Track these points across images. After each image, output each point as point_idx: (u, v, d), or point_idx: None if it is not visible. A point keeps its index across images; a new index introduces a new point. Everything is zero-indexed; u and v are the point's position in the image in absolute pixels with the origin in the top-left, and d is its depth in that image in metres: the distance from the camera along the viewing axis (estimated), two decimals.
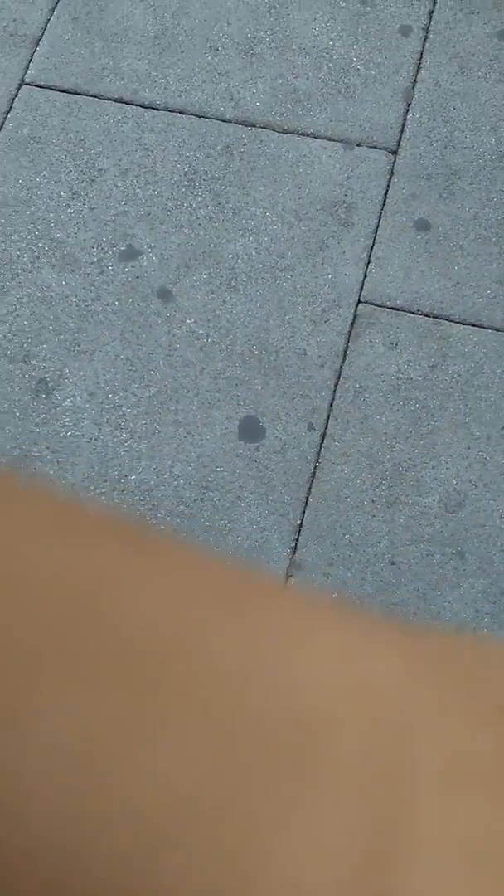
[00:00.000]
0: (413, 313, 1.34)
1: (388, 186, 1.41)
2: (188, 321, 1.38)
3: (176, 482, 1.30)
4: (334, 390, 1.31)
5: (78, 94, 1.56)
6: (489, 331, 1.31)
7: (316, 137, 1.46)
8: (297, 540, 1.25)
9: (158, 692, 0.13)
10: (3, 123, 1.54)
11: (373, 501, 1.26)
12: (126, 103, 1.54)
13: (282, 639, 0.14)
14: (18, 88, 1.57)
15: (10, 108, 1.55)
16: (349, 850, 0.12)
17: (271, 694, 0.13)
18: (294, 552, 1.25)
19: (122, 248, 1.44)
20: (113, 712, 0.12)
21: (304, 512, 1.26)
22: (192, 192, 1.46)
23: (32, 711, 0.12)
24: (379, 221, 1.39)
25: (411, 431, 1.29)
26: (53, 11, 1.60)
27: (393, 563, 1.23)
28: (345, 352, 1.33)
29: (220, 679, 0.13)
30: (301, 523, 1.26)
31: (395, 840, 0.12)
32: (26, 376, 1.38)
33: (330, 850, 0.12)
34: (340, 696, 0.13)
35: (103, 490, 1.31)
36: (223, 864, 0.12)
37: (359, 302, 1.35)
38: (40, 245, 1.46)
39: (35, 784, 0.12)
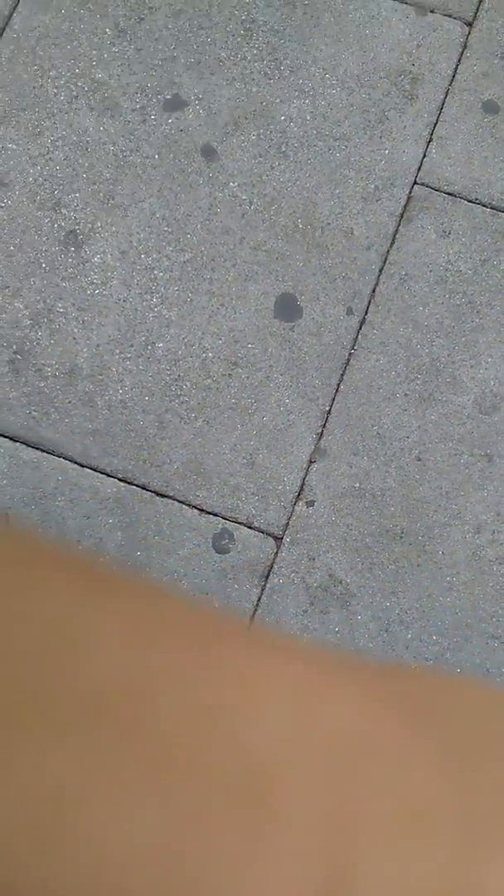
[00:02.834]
0: (470, 201, 1.27)
1: (459, 61, 1.31)
2: (232, 184, 1.31)
3: (204, 354, 1.26)
4: (378, 275, 1.25)
5: None
6: None
7: None
8: (323, 426, 1.22)
9: (116, 739, 0.13)
10: None
11: (405, 395, 1.22)
12: None
13: (239, 685, 0.14)
14: None
15: None
16: None
17: (227, 741, 0.13)
18: (320, 438, 1.22)
19: (168, 97, 1.34)
20: (71, 758, 0.12)
21: (333, 399, 1.22)
22: (247, 43, 1.35)
23: None
24: (445, 98, 1.30)
25: (454, 326, 1.24)
26: None
27: (419, 460, 1.20)
28: (394, 235, 1.26)
29: (176, 727, 0.13)
30: (329, 410, 1.22)
31: (344, 889, 0.12)
32: (55, 226, 1.31)
33: None
34: (295, 742, 0.13)
35: (128, 356, 1.26)
36: None
37: (415, 183, 1.28)
38: (79, 85, 1.36)
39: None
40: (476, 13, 1.34)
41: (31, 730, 0.12)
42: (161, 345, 1.26)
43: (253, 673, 0.14)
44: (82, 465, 1.23)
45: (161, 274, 1.29)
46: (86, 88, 1.36)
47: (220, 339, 1.26)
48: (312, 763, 0.13)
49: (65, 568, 0.14)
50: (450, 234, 1.26)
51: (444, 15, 1.34)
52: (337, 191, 1.29)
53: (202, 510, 1.20)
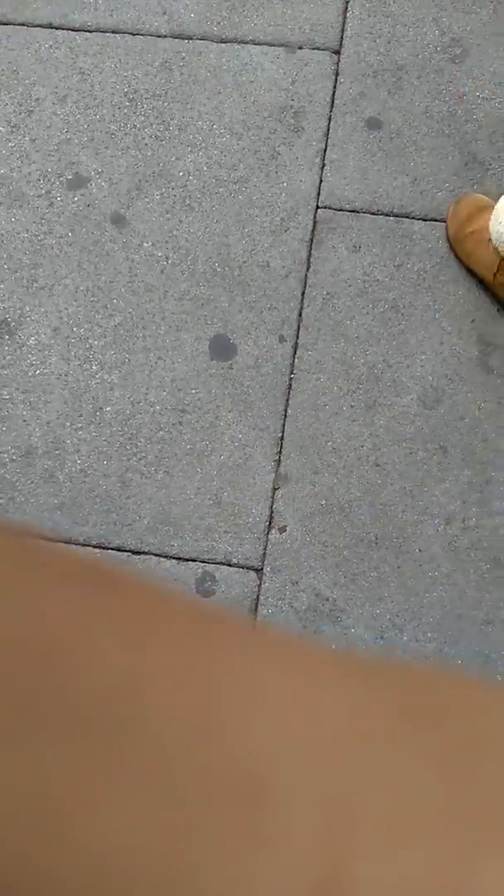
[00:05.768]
0: (373, 214, 1.32)
1: (334, 87, 1.38)
2: (146, 245, 1.35)
3: (152, 409, 1.29)
4: (302, 300, 1.30)
5: (5, 23, 1.49)
6: None
7: (256, 44, 1.41)
8: (280, 453, 1.24)
9: (114, 739, 0.13)
10: None
11: (351, 406, 1.25)
12: (56, 28, 1.48)
13: (238, 683, 0.14)
14: None
15: None
16: None
17: (223, 742, 0.13)
18: (278, 465, 1.24)
19: (69, 177, 1.40)
20: (69, 759, 0.12)
21: (284, 424, 1.25)
22: (134, 113, 1.41)
23: None
24: (329, 124, 1.36)
25: (383, 333, 1.28)
26: None
27: (377, 465, 1.23)
28: (308, 259, 1.31)
29: (175, 725, 0.13)
30: (282, 436, 1.25)
31: (340, 889, 0.12)
32: None
33: None
34: (293, 741, 0.13)
35: (80, 425, 1.29)
36: None
37: (317, 207, 1.33)
38: None
39: None
40: (341, 41, 1.41)
41: (29, 730, 0.13)
42: (109, 408, 1.29)
43: (252, 671, 0.14)
44: (55, 541, 1.25)
45: (96, 342, 1.32)
46: None
47: (164, 390, 1.29)
48: (310, 762, 0.13)
49: (65, 566, 0.14)
50: (360, 248, 1.31)
51: (312, 49, 1.41)
52: (246, 230, 1.34)
53: (180, 558, 1.22)
